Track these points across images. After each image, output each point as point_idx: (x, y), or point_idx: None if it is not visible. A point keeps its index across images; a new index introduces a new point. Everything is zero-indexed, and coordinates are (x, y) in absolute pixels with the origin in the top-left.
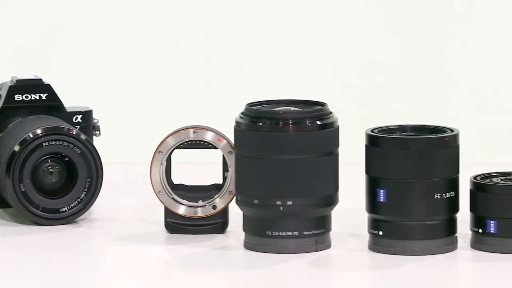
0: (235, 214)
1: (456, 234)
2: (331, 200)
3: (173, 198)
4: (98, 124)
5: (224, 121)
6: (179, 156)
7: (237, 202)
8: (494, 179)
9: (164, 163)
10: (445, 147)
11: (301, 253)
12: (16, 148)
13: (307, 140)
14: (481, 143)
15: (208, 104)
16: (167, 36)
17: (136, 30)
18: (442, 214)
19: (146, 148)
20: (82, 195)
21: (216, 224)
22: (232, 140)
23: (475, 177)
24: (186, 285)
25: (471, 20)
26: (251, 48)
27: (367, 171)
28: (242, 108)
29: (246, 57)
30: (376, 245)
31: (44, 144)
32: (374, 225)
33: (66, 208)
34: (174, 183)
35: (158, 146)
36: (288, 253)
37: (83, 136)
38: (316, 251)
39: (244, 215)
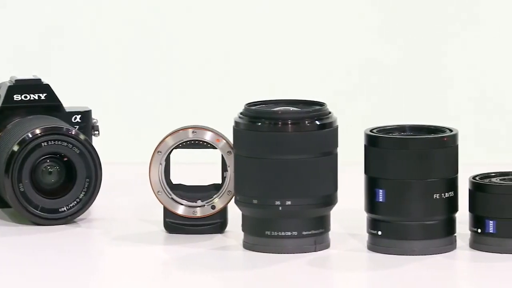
0: (234, 214)
1: (455, 234)
2: (330, 200)
3: (172, 198)
4: (97, 124)
5: (223, 121)
6: (178, 156)
7: (236, 202)
8: (493, 179)
9: (163, 163)
10: (444, 147)
11: (300, 253)
12: (15, 148)
13: (306, 140)
14: (480, 143)
15: (207, 104)
16: (166, 36)
17: (135, 30)
18: (441, 214)
19: (145, 148)
20: (81, 195)
21: (215, 224)
22: (231, 140)
23: (474, 177)
24: (185, 285)
25: (470, 20)
26: (250, 48)
27: (366, 171)
28: (241, 108)
29: (245, 57)
30: (375, 245)
31: (43, 144)
32: (373, 225)
33: (65, 208)
34: (173, 183)
35: (157, 146)
36: (287, 253)
37: (82, 136)
38: (315, 251)
39: (243, 215)
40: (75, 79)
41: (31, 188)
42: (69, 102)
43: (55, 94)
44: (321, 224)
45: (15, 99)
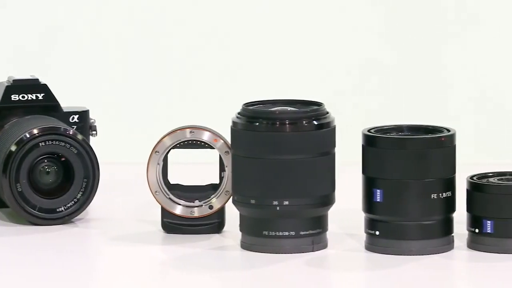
0: (232, 214)
1: (452, 234)
2: (327, 200)
3: (169, 198)
4: (95, 124)
5: (221, 121)
6: (175, 156)
7: (234, 202)
8: (491, 179)
9: (161, 163)
10: (441, 147)
11: (298, 253)
12: (13, 148)
13: (304, 140)
14: (478, 143)
15: (205, 104)
16: (164, 37)
17: (133, 30)
18: (439, 214)
19: (143, 148)
20: (79, 195)
21: (213, 224)
22: (228, 140)
23: (471, 177)
24: (183, 285)
25: (470, 20)
26: (248, 48)
27: (363, 171)
28: (238, 108)
29: (243, 57)
30: (373, 245)
31: (40, 144)
32: (371, 225)
33: (62, 208)
34: (171, 183)
35: (155, 146)
36: (285, 253)
37: (79, 136)
38: (312, 251)
39: (240, 215)
40: (72, 79)
41: (28, 188)
42: (66, 102)
43: (52, 94)
44: (319, 224)
45: (12, 99)
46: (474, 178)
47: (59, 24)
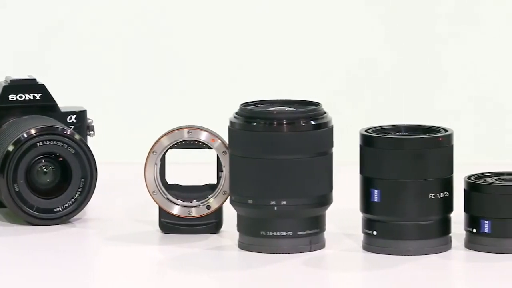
0: (229, 214)
1: (450, 234)
2: (325, 200)
3: (167, 198)
4: (92, 124)
5: (218, 121)
6: (173, 156)
7: (231, 202)
8: (488, 179)
9: (158, 163)
10: (439, 147)
11: (295, 253)
12: (10, 148)
13: (301, 140)
14: (476, 143)
15: (202, 104)
16: (161, 37)
17: (131, 30)
18: (436, 214)
19: (140, 148)
20: (76, 195)
21: (210, 224)
22: (226, 140)
23: (469, 177)
24: (180, 285)
25: (469, 20)
26: (246, 48)
27: (361, 171)
28: (236, 108)
29: (241, 57)
30: (370, 245)
31: (38, 144)
32: (368, 225)
33: (60, 208)
34: (168, 183)
35: (152, 146)
36: (282, 253)
37: (77, 136)
38: (310, 251)
39: (238, 215)
40: (70, 79)
41: (26, 188)
42: (64, 102)
43: (50, 94)
44: (316, 224)
45: (10, 99)
46: (472, 178)
47: (56, 24)
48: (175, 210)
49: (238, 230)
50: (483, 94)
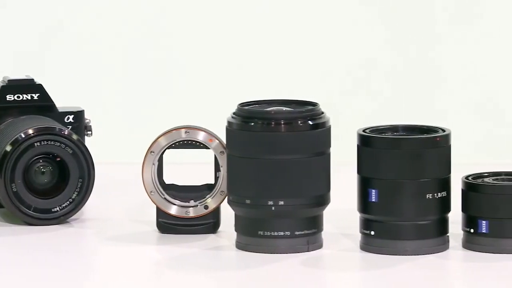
0: (227, 214)
1: (447, 234)
2: (322, 200)
3: (165, 198)
4: (90, 124)
5: (216, 121)
6: (171, 156)
7: (229, 202)
8: (486, 179)
9: (156, 163)
10: (436, 147)
11: (293, 253)
12: (8, 148)
13: (299, 140)
14: (473, 143)
15: (200, 104)
16: (159, 37)
17: (128, 30)
18: (434, 214)
19: (138, 148)
20: (74, 195)
21: (208, 224)
22: (224, 140)
23: (466, 177)
24: (178, 285)
25: (469, 21)
26: (244, 48)
27: (359, 171)
28: (234, 108)
29: (238, 57)
30: (368, 245)
31: (36, 144)
32: (366, 225)
33: (58, 208)
34: (166, 183)
35: (150, 146)
36: (280, 253)
37: (75, 136)
38: (307, 251)
39: (236, 215)
40: (67, 79)
41: (24, 188)
42: (61, 102)
43: (47, 94)
44: (314, 224)
45: (7, 99)
46: (469, 178)
47: (54, 25)
48: (173, 210)
49: (236, 230)
50: (483, 94)
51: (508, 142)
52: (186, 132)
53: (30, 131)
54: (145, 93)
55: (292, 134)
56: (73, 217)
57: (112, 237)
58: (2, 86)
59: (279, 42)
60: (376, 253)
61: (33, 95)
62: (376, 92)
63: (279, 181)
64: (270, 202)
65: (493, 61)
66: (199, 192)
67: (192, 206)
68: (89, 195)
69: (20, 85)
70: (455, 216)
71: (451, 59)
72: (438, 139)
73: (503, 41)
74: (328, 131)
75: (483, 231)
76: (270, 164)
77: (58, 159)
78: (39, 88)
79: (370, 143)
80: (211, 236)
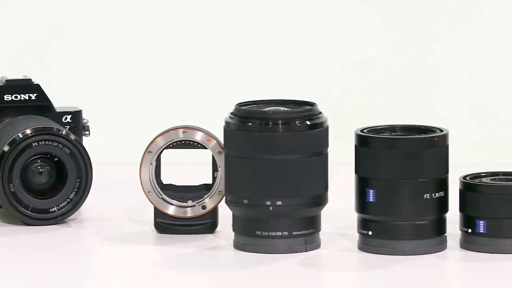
0: (225, 214)
1: (445, 234)
2: (320, 200)
3: (162, 198)
4: (88, 124)
5: (214, 121)
6: (168, 156)
7: (227, 202)
8: (484, 179)
9: (154, 163)
10: (434, 147)
11: (291, 253)
12: (6, 148)
13: (297, 140)
14: (471, 143)
15: (198, 104)
16: (157, 37)
17: (126, 30)
18: (432, 214)
19: (136, 148)
20: (72, 195)
21: (206, 224)
22: (221, 140)
23: (464, 177)
24: (176, 285)
25: (468, 21)
26: (241, 48)
27: (356, 171)
28: (231, 108)
29: (236, 57)
30: (366, 245)
31: (33, 144)
32: (364, 225)
33: (55, 208)
34: (164, 183)
35: (148, 146)
36: (278, 253)
37: (72, 136)
38: (305, 251)
39: (233, 215)
40: (65, 79)
41: (21, 188)
42: (59, 102)
43: (45, 94)
44: (312, 224)
45: (5, 99)
46: (467, 178)
47: (52, 25)
48: (171, 210)
49: (234, 230)
50: (481, 95)
51: (506, 142)
52: (184, 132)
53: (28, 131)
54: (143, 93)
55: (290, 134)
56: (71, 217)
57: (110, 237)
58: (0, 86)
59: (277, 42)
60: (374, 253)
61: (31, 95)
62: (374, 92)
63: (277, 181)
64: (268, 202)
65: (492, 61)
66: (197, 192)
67: (190, 206)
68: (87, 195)
69: (18, 85)
70: (453, 216)
71: (450, 59)
72: (436, 139)
73: (502, 42)
74: (326, 131)
75: (480, 231)
76: (268, 164)
77: (56, 159)
78: (36, 88)
79: (368, 143)
80: (209, 236)
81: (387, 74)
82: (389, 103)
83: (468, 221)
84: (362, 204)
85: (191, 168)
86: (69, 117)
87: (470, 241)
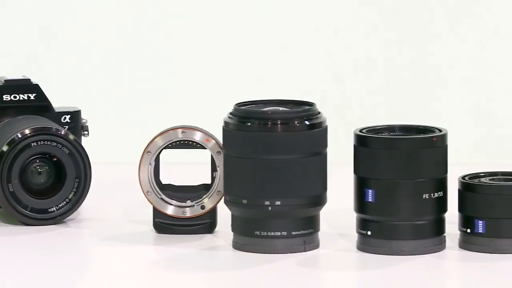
0: (224, 214)
1: (444, 234)
2: (319, 200)
3: (161, 198)
4: (87, 124)
5: (213, 121)
6: (167, 156)
7: (226, 202)
8: (482, 179)
9: (153, 163)
10: (433, 147)
11: (290, 253)
12: (5, 148)
13: (296, 140)
14: (470, 143)
15: (197, 104)
16: (155, 37)
17: (124, 31)
18: (430, 214)
19: (135, 148)
20: (71, 195)
21: (205, 224)
22: (220, 140)
23: (463, 177)
24: (175, 285)
25: (465, 20)
26: (240, 48)
27: (355, 171)
28: (230, 108)
29: (235, 57)
30: (365, 245)
31: (32, 144)
32: (363, 225)
33: (54, 208)
34: (163, 183)
35: (147, 146)
36: (277, 253)
37: (71, 136)
38: (304, 251)
39: (232, 215)
40: (64, 79)
41: (20, 188)
42: (58, 102)
43: (44, 94)
44: (311, 224)
45: (4, 99)
46: (466, 178)
47: (51, 24)
48: (169, 210)
49: (233, 230)
50: (480, 95)
51: (504, 142)
52: (182, 132)
53: (27, 131)
54: (142, 93)
55: (288, 134)
56: (69, 217)
57: (109, 237)
58: None
59: (276, 42)
60: (373, 253)
61: (30, 95)
62: (373, 92)
63: (276, 181)
64: (267, 202)
65: (492, 61)
66: (196, 192)
67: (188, 206)
68: (86, 195)
69: (17, 85)
70: (452, 216)
71: (450, 59)
72: (434, 139)
73: (502, 42)
74: (324, 131)
75: (479, 231)
76: (266, 164)
77: (55, 159)
78: (35, 88)
79: (366, 143)
80: (207, 236)
81: (387, 74)
82: (389, 103)
83: (467, 221)
84: (361, 204)
85: (190, 168)
86: (68, 117)
87: (469, 241)
